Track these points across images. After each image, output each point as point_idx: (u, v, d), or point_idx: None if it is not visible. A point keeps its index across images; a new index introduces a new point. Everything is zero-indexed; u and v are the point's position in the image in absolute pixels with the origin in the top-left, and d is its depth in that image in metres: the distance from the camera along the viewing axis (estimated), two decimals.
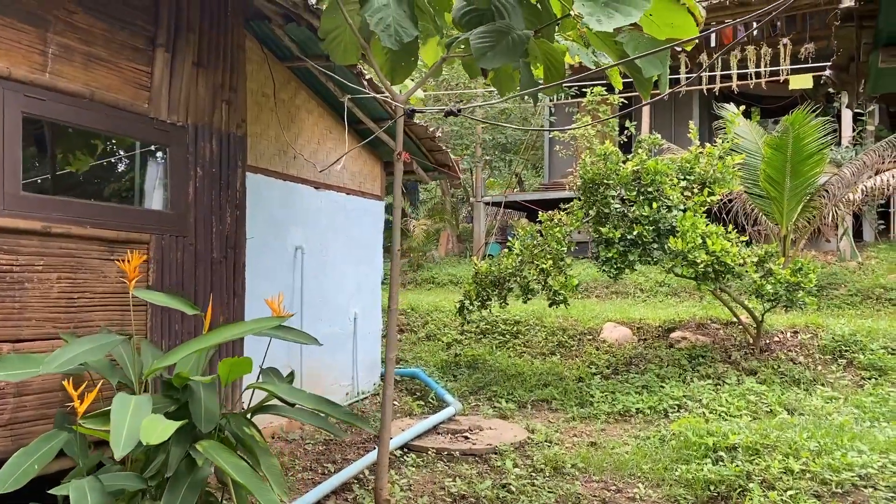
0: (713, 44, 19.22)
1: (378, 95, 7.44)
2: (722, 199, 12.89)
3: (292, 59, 6.93)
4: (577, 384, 8.00)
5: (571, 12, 4.57)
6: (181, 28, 5.58)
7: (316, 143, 7.44)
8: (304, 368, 7.14)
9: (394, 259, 5.47)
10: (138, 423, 3.04)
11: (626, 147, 16.66)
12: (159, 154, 5.55)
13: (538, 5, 5.04)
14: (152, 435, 2.88)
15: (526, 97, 5.01)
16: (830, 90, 14.92)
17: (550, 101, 20.81)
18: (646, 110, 16.90)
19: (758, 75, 15.79)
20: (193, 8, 5.70)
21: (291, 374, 4.57)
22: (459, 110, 4.53)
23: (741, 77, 16.09)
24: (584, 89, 17.06)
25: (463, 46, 5.19)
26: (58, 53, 4.47)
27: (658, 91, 4.80)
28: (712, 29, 4.65)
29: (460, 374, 8.65)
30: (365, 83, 7.14)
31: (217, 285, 5.97)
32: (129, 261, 4.18)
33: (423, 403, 7.73)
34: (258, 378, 4.33)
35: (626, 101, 16.91)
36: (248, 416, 4.10)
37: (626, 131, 16.29)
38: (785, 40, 15.54)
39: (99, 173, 5.60)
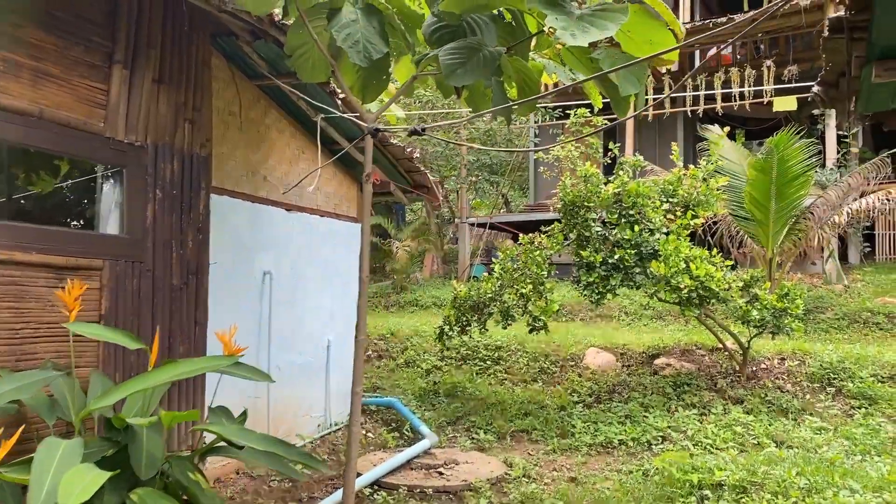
0: (697, 62, 19.19)
1: (349, 115, 7.20)
2: (707, 222, 12.71)
3: (262, 77, 6.69)
4: (559, 413, 7.72)
5: (545, 28, 4.34)
6: (141, 44, 5.33)
7: (287, 163, 7.18)
8: (273, 400, 6.83)
9: (361, 286, 5.20)
10: (62, 476, 2.74)
11: (610, 169, 16.53)
12: (115, 175, 5.28)
13: (512, 23, 4.83)
14: (72, 493, 2.57)
15: (498, 117, 4.78)
16: (815, 112, 14.85)
17: (535, 122, 20.71)
18: (629, 132, 16.78)
19: (742, 97, 15.73)
20: (154, 23, 5.46)
21: (244, 414, 4.26)
22: (423, 129, 4.28)
23: (725, 99, 16.02)
24: (567, 111, 16.93)
25: (434, 64, 4.96)
26: (2, 69, 4.20)
27: (639, 111, 4.58)
28: (716, 48, 4.44)
29: (439, 402, 8.35)
30: (338, 102, 6.91)
31: (177, 314, 5.68)
32: (70, 290, 3.89)
33: (398, 435, 7.42)
34: (206, 417, 4.02)
35: (609, 123, 16.77)
36: (196, 459, 3.79)
37: (609, 153, 16.13)
38: (768, 62, 15.50)
39: (49, 196, 5.31)
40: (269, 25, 5.73)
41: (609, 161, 17.12)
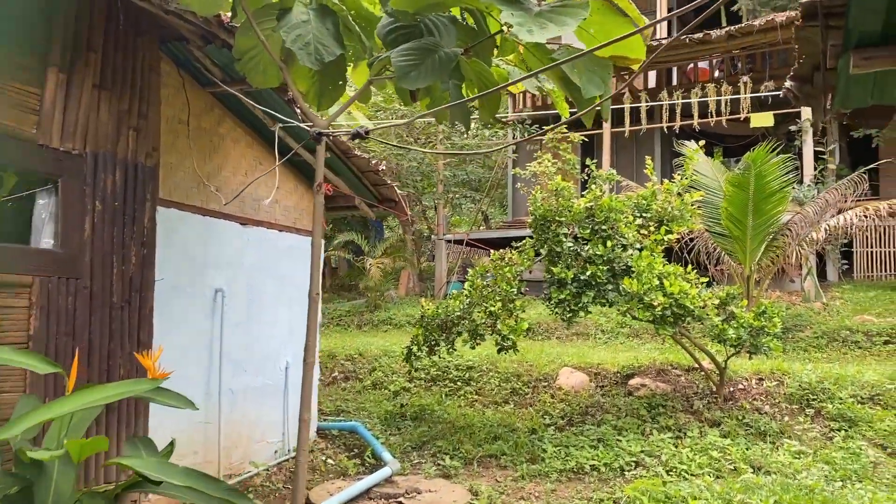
0: (674, 81, 19.12)
1: (305, 124, 6.90)
2: (683, 239, 12.51)
3: (216, 83, 6.37)
4: (530, 437, 7.38)
5: (504, 27, 4.06)
6: (80, 47, 5.01)
7: (243, 174, 6.85)
8: (226, 425, 6.44)
9: (311, 304, 4.88)
10: None
11: (587, 185, 16.31)
12: (50, 185, 4.92)
13: (473, 25, 4.55)
14: None
15: (455, 122, 4.49)
16: (792, 128, 14.72)
17: (513, 136, 20.50)
18: (606, 148, 16.62)
19: (718, 113, 15.61)
20: (96, 25, 5.14)
21: (171, 445, 3.89)
22: (367, 132, 3.98)
23: (702, 115, 15.91)
24: (544, 126, 16.76)
25: (392, 68, 4.67)
26: None
27: (606, 114, 4.31)
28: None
29: (405, 426, 7.98)
30: (297, 110, 6.60)
31: (117, 334, 5.31)
32: None
33: (359, 462, 7.06)
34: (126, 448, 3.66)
35: (586, 139, 16.62)
36: (115, 495, 3.42)
37: (587, 169, 15.95)
38: (745, 78, 15.41)
39: None
40: (217, 28, 5.42)
41: (586, 177, 16.95)
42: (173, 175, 6.07)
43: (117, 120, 5.39)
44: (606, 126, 16.65)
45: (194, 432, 6.15)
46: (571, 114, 4.94)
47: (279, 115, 6.29)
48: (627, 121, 16.35)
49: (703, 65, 19.50)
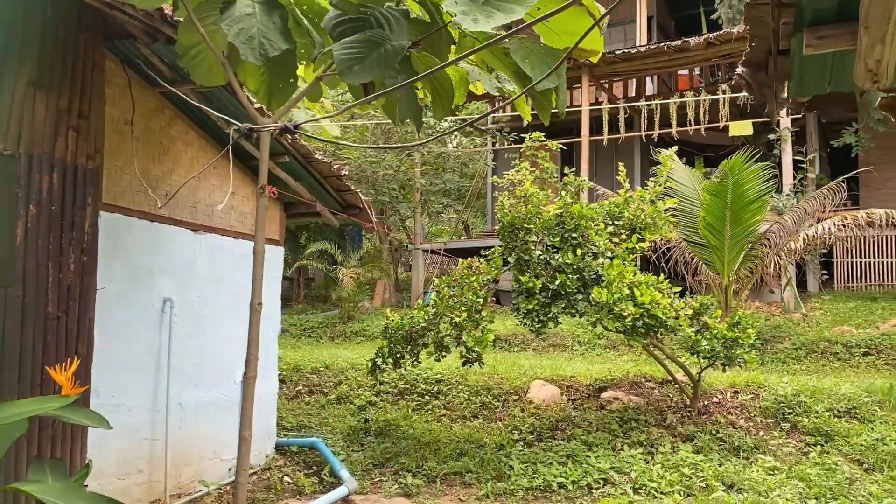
0: (653, 90, 19.02)
1: (266, 127, 6.62)
2: (660, 248, 12.32)
3: (166, 83, 6.08)
4: (497, 453, 7.10)
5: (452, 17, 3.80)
6: (12, 42, 4.72)
7: (196, 178, 6.55)
8: (174, 442, 6.11)
9: (252, 315, 4.59)
10: None
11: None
12: None
13: (430, 20, 4.30)
14: None
15: (405, 122, 4.23)
16: (771, 137, 14.57)
17: (493, 145, 20.29)
18: (585, 156, 16.43)
19: (697, 122, 15.47)
20: (32, 20, 4.85)
21: (87, 467, 3.57)
22: (296, 126, 3.70)
23: (681, 124, 15.76)
24: (523, 135, 16.56)
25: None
26: None
27: (557, 112, 4.07)
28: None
29: (368, 442, 7.67)
30: (255, 112, 6.32)
31: (52, 346, 4.97)
32: None
33: (317, 480, 6.74)
34: (26, 473, 3.34)
35: (564, 147, 16.41)
36: None
37: (565, 178, 15.73)
38: (724, 86, 15.28)
39: None
40: (160, 22, 5.15)
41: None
42: (118, 179, 5.77)
43: (55, 120, 5.08)
44: (585, 134, 16.48)
45: (139, 450, 5.82)
46: (534, 116, 4.70)
47: (228, 118, 6.00)
48: (606, 129, 16.18)
49: (683, 72, 19.42)
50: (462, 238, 20.39)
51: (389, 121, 15.77)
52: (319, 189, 7.69)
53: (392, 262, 18.52)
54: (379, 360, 7.75)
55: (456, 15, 3.24)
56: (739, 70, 2.75)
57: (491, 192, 20.02)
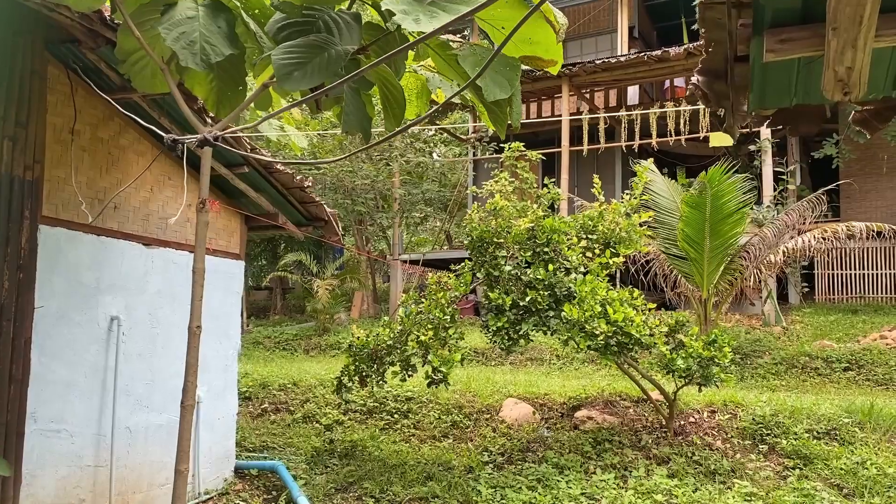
0: (637, 98, 18.88)
1: (188, 138, 6.34)
2: (639, 261, 12.10)
3: (114, 90, 5.79)
4: (465, 477, 6.81)
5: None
6: None
7: (148, 190, 6.25)
8: (121, 468, 5.78)
9: (190, 339, 4.30)
10: None
11: (549, 208, 15.87)
12: None
13: (384, 23, 4.04)
14: None
15: (347, 131, 3.96)
16: (752, 148, 14.42)
17: (475, 152, 20.06)
18: (565, 167, 16.22)
19: (678, 132, 15.30)
20: None
21: None
22: (216, 138, 3.43)
23: (661, 134, 15.59)
24: (502, 145, 16.34)
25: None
26: None
27: (512, 126, 3.82)
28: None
29: (333, 465, 7.36)
30: (209, 121, 6.03)
31: None
32: None
33: None
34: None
35: (544, 157, 16.20)
36: None
37: (545, 188, 15.51)
38: None
39: None
40: (99, 25, 4.86)
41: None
42: (61, 191, 5.46)
43: None
44: (565, 145, 16.28)
45: (80, 477, 5.49)
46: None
47: (165, 127, 5.72)
48: (586, 139, 16.00)
49: (679, 83, 19.28)
50: (444, 248, 20.12)
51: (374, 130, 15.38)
52: (283, 201, 7.40)
53: (370, 273, 18.21)
54: (345, 379, 7.46)
55: (396, 14, 2.99)
56: (695, 79, 2.47)
57: (472, 202, 19.77)
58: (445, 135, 21.54)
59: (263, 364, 11.99)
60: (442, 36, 3.63)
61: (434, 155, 20.21)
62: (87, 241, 5.63)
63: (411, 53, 4.77)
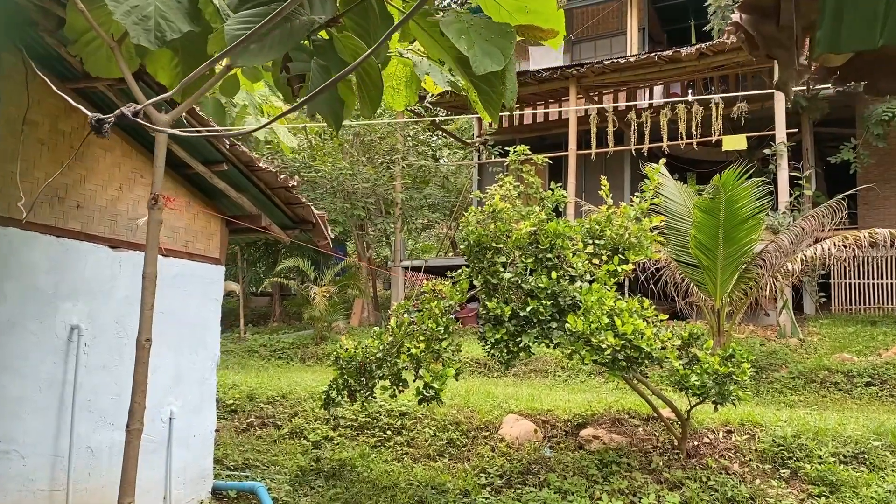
0: (645, 102, 18.33)
1: (206, 130, 5.86)
2: (649, 269, 11.55)
3: (79, 78, 5.32)
4: (461, 501, 6.29)
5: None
6: None
7: (117, 188, 5.77)
8: (82, 490, 5.29)
9: (138, 352, 3.79)
10: None
11: (554, 212, 15.34)
12: None
13: None
14: None
15: (314, 116, 3.46)
16: (767, 152, 13.87)
17: (480, 156, 19.56)
18: (572, 171, 15.70)
19: (689, 136, 14.76)
20: None
21: None
22: (136, 113, 2.92)
23: (672, 138, 15.06)
24: (507, 148, 15.84)
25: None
26: None
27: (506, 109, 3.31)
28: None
29: (318, 486, 6.85)
30: (182, 113, 5.54)
31: None
32: None
33: None
34: None
35: (550, 161, 15.70)
36: None
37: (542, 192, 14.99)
38: (717, 98, 14.60)
39: None
40: (49, 1, 4.40)
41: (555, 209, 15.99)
42: (14, 187, 4.97)
43: None
44: (572, 148, 15.76)
45: (32, 503, 4.99)
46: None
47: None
48: (594, 142, 15.47)
49: (674, 89, 18.77)
50: (449, 254, 19.58)
51: (371, 132, 14.87)
52: (266, 202, 6.91)
53: (371, 279, 17.71)
54: (333, 393, 6.97)
55: None
56: (736, 17, 1.92)
57: (476, 208, 19.27)
58: (450, 139, 21.10)
59: (255, 374, 11.49)
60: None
61: (442, 160, 19.75)
62: (44, 243, 5.15)
63: (396, 35, 4.26)
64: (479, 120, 20.54)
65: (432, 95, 15.34)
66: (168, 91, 4.38)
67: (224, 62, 4.17)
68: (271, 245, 19.19)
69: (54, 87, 3.94)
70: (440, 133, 20.76)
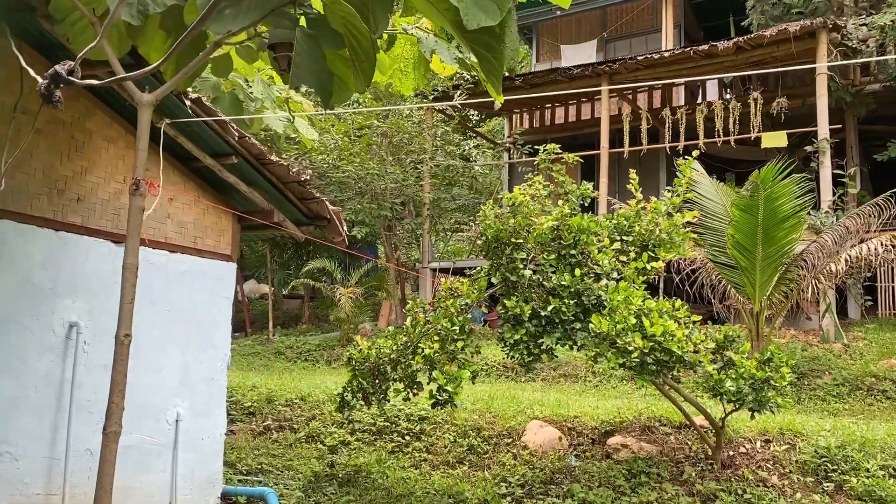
0: (682, 100, 17.80)
1: (209, 119, 5.65)
2: (684, 270, 11.08)
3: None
4: None
5: None
6: None
7: (120, 180, 5.56)
8: (74, 496, 5.06)
9: (117, 349, 3.54)
10: None
11: (585, 211, 14.92)
12: None
13: None
14: None
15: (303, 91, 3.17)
16: (808, 148, 13.32)
17: (510, 156, 19.21)
18: (604, 170, 15.26)
19: (726, 133, 14.22)
20: None
21: None
22: (71, 71, 2.67)
23: (708, 135, 14.53)
24: (536, 147, 15.48)
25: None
26: None
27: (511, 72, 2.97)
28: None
29: (331, 494, 6.57)
30: (188, 103, 5.34)
31: None
32: None
33: None
34: None
35: (581, 160, 15.28)
36: None
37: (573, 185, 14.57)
38: (756, 94, 14.05)
39: None
40: None
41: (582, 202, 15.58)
42: (11, 178, 4.78)
43: None
44: (604, 146, 15.32)
45: None
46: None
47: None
48: (626, 140, 15.03)
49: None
50: (479, 256, 19.24)
51: (398, 131, 14.61)
52: (279, 197, 6.67)
53: (399, 281, 17.46)
54: (348, 396, 6.70)
55: None
56: None
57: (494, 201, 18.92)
58: (481, 140, 20.78)
59: (278, 376, 11.29)
60: None
61: (477, 161, 19.42)
62: (41, 237, 4.96)
63: (398, 12, 3.98)
64: (510, 121, 20.23)
65: (459, 94, 15.05)
66: (163, 75, 4.15)
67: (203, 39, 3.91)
68: (301, 246, 19.07)
69: (14, 48, 3.72)
70: (471, 134, 20.48)
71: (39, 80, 2.87)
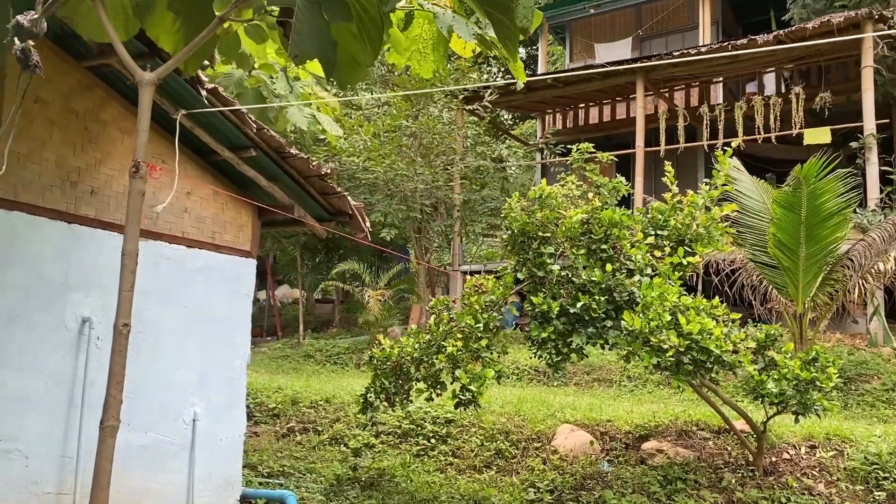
0: (721, 98, 17.33)
1: (225, 108, 5.49)
2: (723, 270, 10.69)
3: (93, 55, 5.02)
4: None
5: None
6: None
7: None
8: (86, 497, 4.90)
9: (115, 339, 3.37)
10: None
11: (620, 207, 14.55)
12: None
13: None
14: None
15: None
16: (853, 145, 12.80)
17: (543, 157, 18.89)
18: (640, 169, 14.88)
19: (767, 130, 13.75)
20: None
21: None
22: (34, 24, 2.50)
23: (748, 132, 14.06)
24: (569, 146, 15.17)
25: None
26: None
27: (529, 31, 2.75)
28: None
29: (353, 497, 6.36)
30: (203, 93, 5.19)
31: None
32: None
33: None
34: None
35: (616, 159, 14.93)
36: None
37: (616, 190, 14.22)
38: (797, 89, 13.56)
39: None
40: None
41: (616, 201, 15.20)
42: (22, 168, 4.69)
43: None
44: (640, 145, 14.94)
45: None
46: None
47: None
48: (662, 138, 14.64)
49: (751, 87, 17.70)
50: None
51: (428, 132, 14.39)
52: (300, 192, 6.50)
53: (430, 283, 17.25)
54: (371, 397, 6.49)
55: None
56: None
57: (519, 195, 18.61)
58: (514, 142, 20.52)
59: (305, 378, 11.14)
60: None
61: (509, 163, 19.17)
62: (54, 229, 4.85)
63: None
64: (542, 122, 19.92)
65: (490, 93, 14.83)
66: (172, 57, 3.99)
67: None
68: (332, 249, 18.98)
69: None
70: (503, 136, 20.23)
71: (15, 46, 2.70)
